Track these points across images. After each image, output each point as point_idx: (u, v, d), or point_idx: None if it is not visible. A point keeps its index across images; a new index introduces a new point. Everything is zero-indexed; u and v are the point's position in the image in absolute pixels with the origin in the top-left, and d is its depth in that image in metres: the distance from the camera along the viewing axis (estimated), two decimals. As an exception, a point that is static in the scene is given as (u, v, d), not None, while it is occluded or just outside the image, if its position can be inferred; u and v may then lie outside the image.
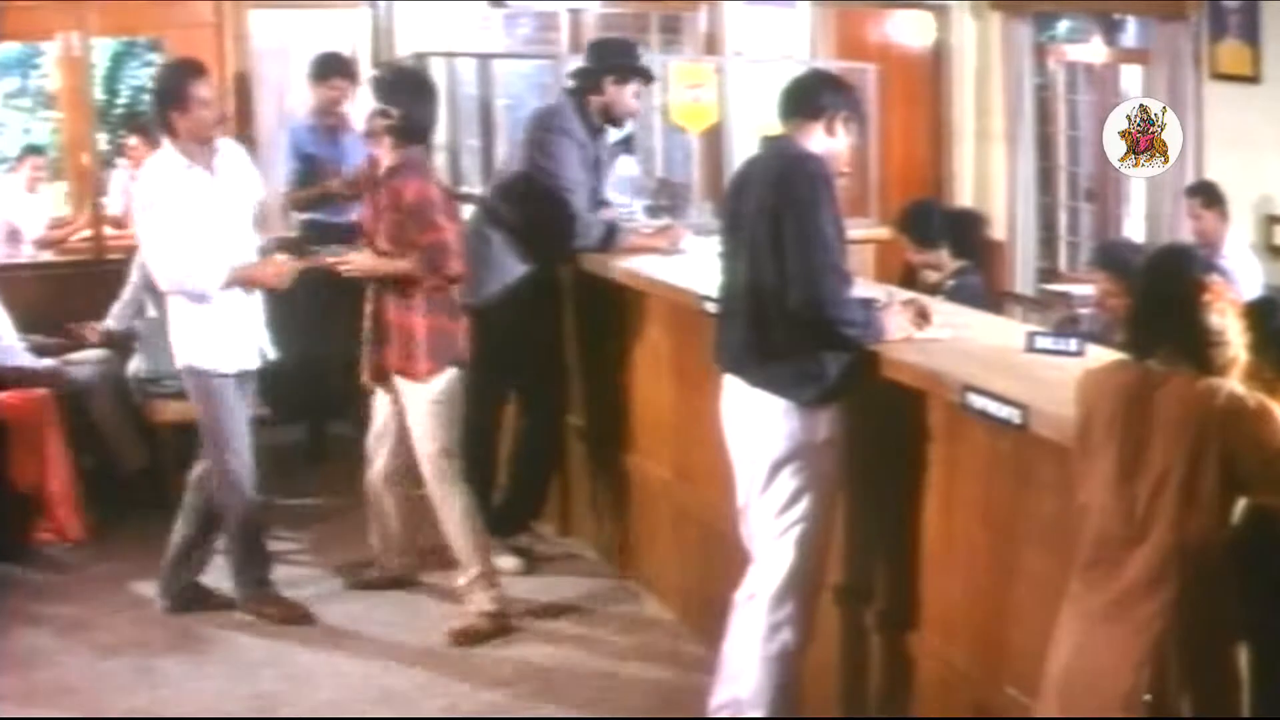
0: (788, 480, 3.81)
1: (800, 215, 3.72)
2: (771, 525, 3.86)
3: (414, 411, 4.98)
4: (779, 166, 3.85)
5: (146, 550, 5.54)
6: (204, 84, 4.88)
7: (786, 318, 3.75)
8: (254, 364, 5.06)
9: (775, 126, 3.99)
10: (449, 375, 4.96)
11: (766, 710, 3.89)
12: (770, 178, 3.83)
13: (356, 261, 5.02)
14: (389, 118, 4.90)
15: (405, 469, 5.14)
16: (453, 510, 4.99)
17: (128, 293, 6.44)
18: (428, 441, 4.97)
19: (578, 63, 5.79)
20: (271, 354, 5.13)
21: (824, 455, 3.83)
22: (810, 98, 3.93)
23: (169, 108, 4.86)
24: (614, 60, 5.50)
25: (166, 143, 4.94)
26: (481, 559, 5.02)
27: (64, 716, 4.44)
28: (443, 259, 4.85)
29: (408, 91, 5.03)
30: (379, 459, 5.22)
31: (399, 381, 5.00)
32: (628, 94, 5.47)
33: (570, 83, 5.63)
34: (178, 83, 4.90)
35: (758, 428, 3.85)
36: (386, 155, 4.96)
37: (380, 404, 5.18)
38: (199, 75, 4.92)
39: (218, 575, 5.24)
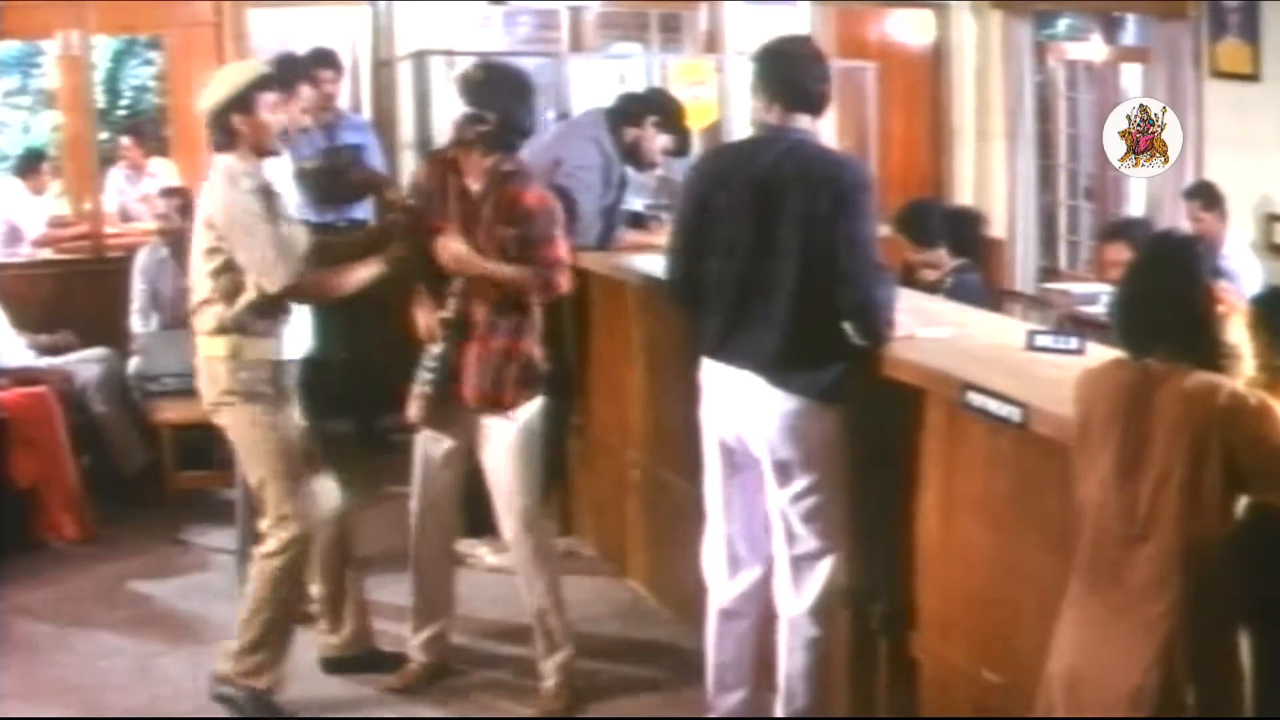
0: (816, 482, 3.80)
1: (856, 220, 3.69)
2: (802, 535, 3.83)
3: (500, 452, 4.44)
4: (823, 167, 3.76)
5: (146, 549, 5.54)
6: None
7: (829, 318, 3.73)
8: (300, 353, 4.85)
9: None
10: (535, 404, 4.50)
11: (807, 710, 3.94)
12: (816, 178, 3.71)
13: (455, 250, 4.29)
14: (484, 123, 4.32)
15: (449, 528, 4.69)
16: (551, 574, 4.51)
17: (137, 300, 6.47)
18: (520, 492, 4.45)
19: (579, 61, 5.79)
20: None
21: (841, 455, 3.83)
22: (818, 94, 3.86)
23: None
24: (666, 108, 5.57)
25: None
26: (568, 634, 4.54)
27: (64, 715, 4.44)
28: (559, 277, 4.38)
29: (506, 93, 4.40)
30: (439, 520, 4.60)
31: (482, 419, 4.45)
32: (659, 143, 5.52)
33: (613, 103, 5.65)
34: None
35: (781, 429, 3.76)
36: (474, 166, 4.37)
37: (430, 451, 4.54)
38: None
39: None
